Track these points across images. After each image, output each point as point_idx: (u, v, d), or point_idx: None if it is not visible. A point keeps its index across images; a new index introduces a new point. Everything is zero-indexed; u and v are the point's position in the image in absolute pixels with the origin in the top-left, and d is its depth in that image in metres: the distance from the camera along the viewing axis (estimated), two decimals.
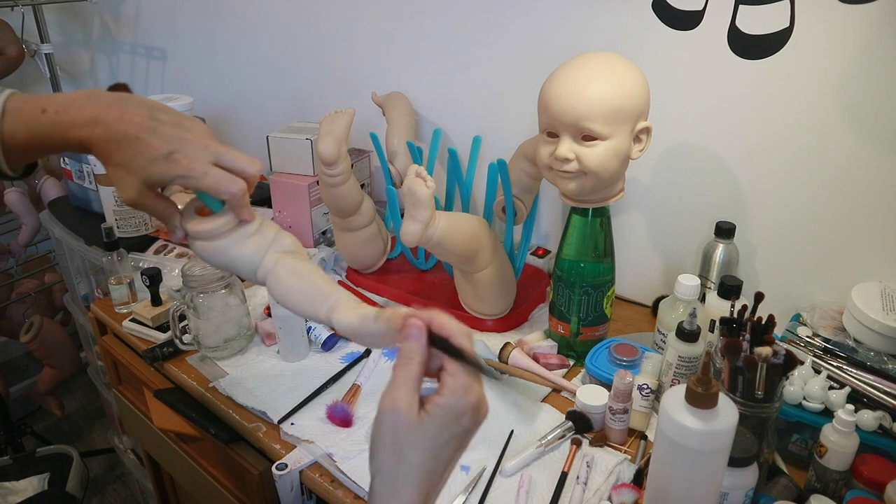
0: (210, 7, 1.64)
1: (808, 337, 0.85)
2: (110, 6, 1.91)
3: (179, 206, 0.63)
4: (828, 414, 0.73)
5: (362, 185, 1.32)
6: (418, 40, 1.27)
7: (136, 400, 1.14)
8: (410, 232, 0.86)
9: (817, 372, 0.77)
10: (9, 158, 0.58)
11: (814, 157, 0.90)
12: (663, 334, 0.92)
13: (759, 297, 0.74)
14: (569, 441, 0.81)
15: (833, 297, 0.93)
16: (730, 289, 0.85)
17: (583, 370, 0.93)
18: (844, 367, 0.78)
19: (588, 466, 0.76)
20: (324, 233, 1.29)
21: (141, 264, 1.22)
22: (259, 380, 0.94)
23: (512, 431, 0.82)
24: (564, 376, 0.93)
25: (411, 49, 1.28)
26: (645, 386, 0.81)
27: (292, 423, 0.85)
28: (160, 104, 0.60)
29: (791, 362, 0.66)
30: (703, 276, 0.98)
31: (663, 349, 0.89)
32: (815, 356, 0.80)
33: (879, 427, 0.71)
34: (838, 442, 0.68)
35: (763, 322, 0.70)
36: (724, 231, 0.96)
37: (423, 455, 0.47)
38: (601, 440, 0.81)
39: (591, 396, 0.82)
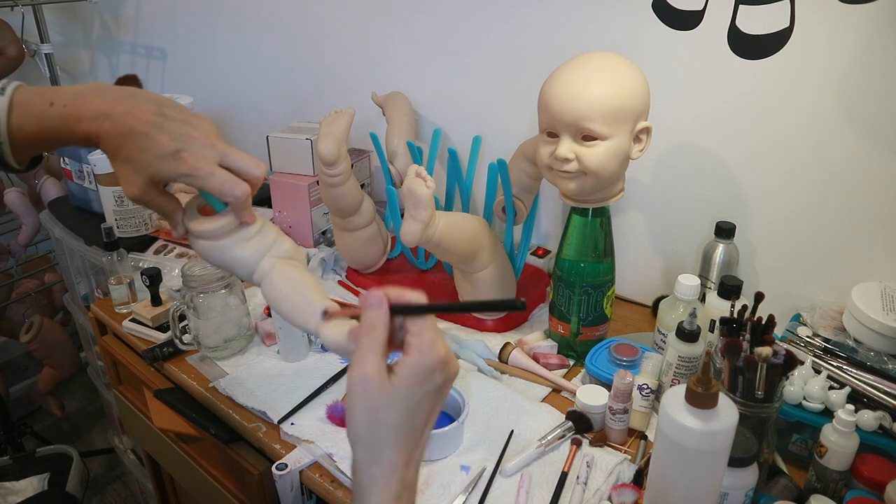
0: (210, 7, 1.64)
1: (808, 337, 0.85)
2: (110, 6, 1.91)
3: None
4: (828, 414, 0.73)
5: (362, 185, 1.32)
6: (418, 40, 1.27)
7: (136, 400, 1.14)
8: (410, 232, 0.86)
9: (817, 372, 0.77)
10: (15, 151, 0.58)
11: (814, 156, 0.90)
12: (663, 334, 0.92)
13: (759, 297, 0.74)
14: (569, 441, 0.80)
15: (833, 297, 0.93)
16: (730, 289, 0.85)
17: (583, 370, 0.93)
18: (844, 367, 0.78)
19: (588, 466, 0.76)
20: (324, 233, 1.29)
21: (141, 264, 1.23)
22: (259, 380, 0.94)
23: (512, 431, 0.82)
24: (564, 376, 0.93)
25: (411, 49, 1.28)
26: (645, 386, 0.81)
27: (292, 423, 0.85)
28: (168, 100, 0.60)
29: (791, 362, 0.66)
30: (703, 276, 0.98)
31: (663, 349, 0.89)
32: (815, 356, 0.80)
33: (879, 427, 0.71)
34: (838, 442, 0.68)
35: (763, 322, 0.70)
36: (724, 231, 0.96)
37: (397, 416, 0.48)
38: (601, 440, 0.81)
39: (591, 396, 0.82)
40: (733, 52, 0.92)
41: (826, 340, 0.84)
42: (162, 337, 1.05)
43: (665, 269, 1.11)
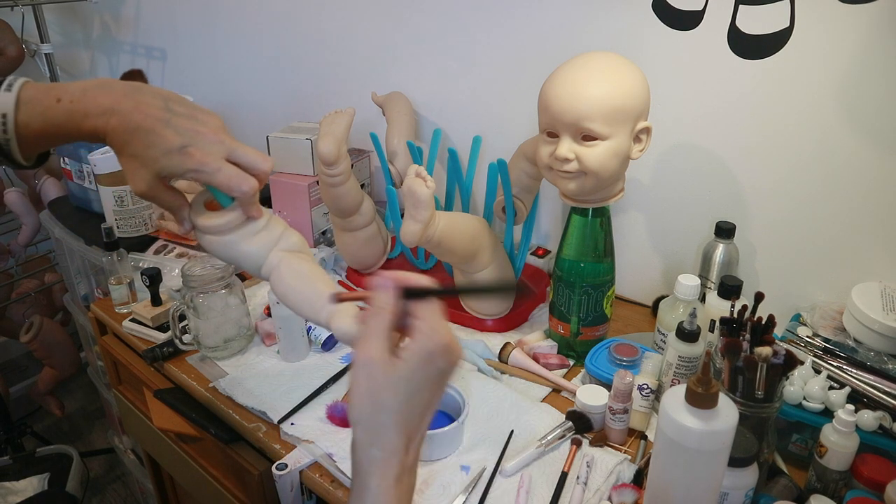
0: (210, 7, 1.64)
1: (808, 337, 0.85)
2: (110, 6, 1.91)
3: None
4: (828, 414, 0.73)
5: (362, 185, 1.32)
6: (418, 40, 1.27)
7: (136, 400, 1.14)
8: (410, 232, 0.86)
9: (817, 372, 0.77)
10: (23, 147, 0.58)
11: (814, 156, 0.90)
12: (663, 334, 0.92)
13: (759, 297, 0.74)
14: (569, 441, 0.80)
15: (833, 297, 0.93)
16: (730, 289, 0.85)
17: (583, 370, 0.93)
18: (844, 367, 0.78)
19: (588, 466, 0.76)
20: (324, 233, 1.29)
21: (141, 264, 1.23)
22: (259, 380, 0.94)
23: (512, 431, 0.82)
24: (564, 376, 0.93)
25: (411, 49, 1.28)
26: (645, 386, 0.81)
27: (292, 423, 0.85)
28: (175, 94, 0.60)
29: (791, 362, 0.66)
30: (703, 276, 0.98)
31: (663, 349, 0.89)
32: (815, 356, 0.80)
33: (879, 427, 0.71)
34: (838, 442, 0.68)
35: (763, 322, 0.70)
36: (724, 231, 0.96)
37: (399, 399, 0.48)
38: (601, 440, 0.81)
39: (591, 396, 0.82)
40: (733, 52, 0.92)
41: (826, 340, 0.84)
42: (162, 337, 1.05)
43: (665, 269, 1.11)
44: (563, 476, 0.76)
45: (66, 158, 1.43)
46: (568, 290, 0.93)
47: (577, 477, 0.75)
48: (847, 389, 0.74)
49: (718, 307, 0.86)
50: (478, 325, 1.04)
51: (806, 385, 0.75)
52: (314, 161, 1.21)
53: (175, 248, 1.30)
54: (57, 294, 2.01)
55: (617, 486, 0.73)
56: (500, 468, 0.77)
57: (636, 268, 1.13)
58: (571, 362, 0.97)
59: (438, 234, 0.88)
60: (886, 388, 0.74)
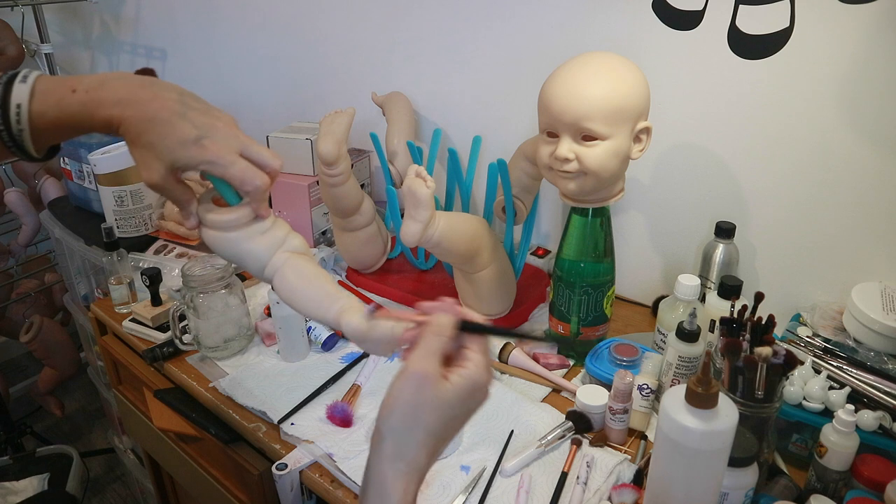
0: (210, 7, 1.64)
1: (808, 337, 0.85)
2: (110, 6, 1.91)
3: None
4: (828, 414, 0.73)
5: (362, 185, 1.32)
6: (418, 40, 1.27)
7: (136, 400, 1.14)
8: (410, 232, 0.86)
9: (817, 372, 0.77)
10: (35, 139, 0.58)
11: (814, 156, 0.90)
12: (663, 334, 0.92)
13: (759, 297, 0.74)
14: (569, 441, 0.80)
15: (833, 297, 0.93)
16: (730, 289, 0.85)
17: (583, 370, 0.93)
18: (844, 367, 0.78)
19: (588, 466, 0.76)
20: (324, 233, 1.29)
21: (141, 264, 1.23)
22: (259, 380, 0.94)
23: (512, 431, 0.82)
24: (564, 376, 0.93)
25: (411, 49, 1.28)
26: (645, 386, 0.81)
27: (292, 423, 0.85)
28: (189, 91, 0.60)
29: (791, 362, 0.66)
30: (703, 276, 0.98)
31: (663, 349, 0.89)
32: (815, 356, 0.80)
33: (879, 427, 0.71)
34: (838, 442, 0.68)
35: (763, 322, 0.70)
36: (724, 231, 0.96)
37: (438, 422, 0.49)
38: (601, 440, 0.81)
39: (591, 396, 0.82)
40: (733, 52, 0.92)
41: (826, 340, 0.84)
42: (162, 337, 1.05)
43: (665, 269, 1.11)
44: (563, 476, 0.76)
45: (66, 158, 1.43)
46: (568, 290, 0.93)
47: (577, 477, 0.75)
48: (847, 389, 0.74)
49: (718, 307, 0.86)
50: None
51: (806, 385, 0.75)
52: (314, 161, 1.21)
53: (175, 248, 1.30)
54: (57, 294, 2.01)
55: (617, 486, 0.73)
56: (500, 468, 0.77)
57: (636, 268, 1.13)
58: (571, 362, 0.97)
59: (438, 234, 0.88)
60: (886, 388, 0.74)
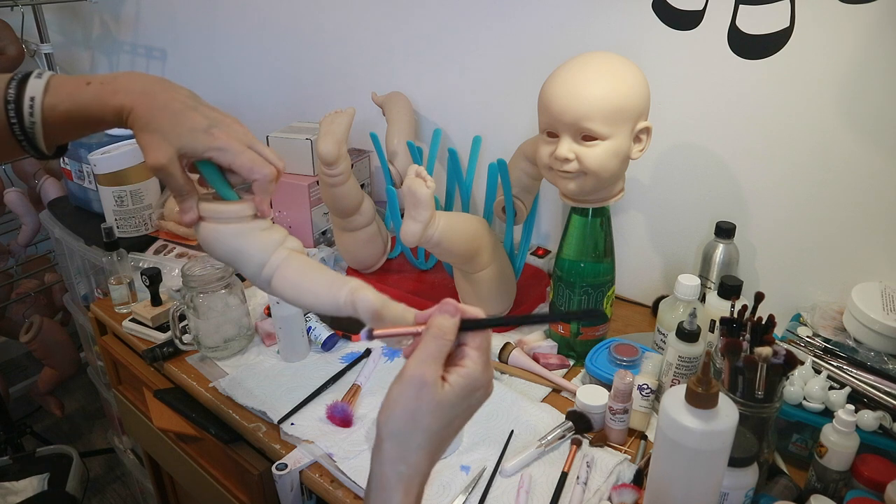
0: (210, 7, 1.64)
1: (808, 337, 0.85)
2: (110, 6, 1.91)
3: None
4: (828, 414, 0.73)
5: (362, 185, 1.32)
6: (418, 40, 1.27)
7: (136, 400, 1.14)
8: (410, 232, 0.86)
9: (817, 372, 0.77)
10: (47, 133, 0.59)
11: (814, 156, 0.90)
12: (663, 334, 0.92)
13: (759, 297, 0.74)
14: (569, 441, 0.80)
15: (833, 297, 0.93)
16: (730, 289, 0.85)
17: (583, 370, 0.93)
18: (844, 367, 0.78)
19: (588, 466, 0.76)
20: (324, 233, 1.29)
21: (141, 264, 1.23)
22: (259, 380, 0.94)
23: (512, 431, 0.82)
24: (564, 376, 0.93)
25: (411, 49, 1.28)
26: (645, 386, 0.81)
27: (292, 423, 0.85)
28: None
29: (791, 362, 0.66)
30: (703, 276, 0.98)
31: (663, 349, 0.89)
32: (815, 356, 0.80)
33: (880, 427, 0.71)
34: (838, 442, 0.68)
35: (763, 322, 0.70)
36: (724, 231, 0.96)
37: (438, 423, 0.49)
38: (601, 440, 0.81)
39: (591, 396, 0.82)
40: (733, 52, 0.92)
41: (826, 340, 0.84)
42: (162, 337, 1.05)
43: (665, 269, 1.11)
44: (563, 476, 0.76)
45: (65, 158, 1.43)
46: (568, 290, 0.93)
47: (577, 477, 0.75)
48: (847, 389, 0.74)
49: (718, 307, 0.86)
50: None
51: (806, 385, 0.75)
52: (314, 161, 1.21)
53: (175, 248, 1.30)
54: (57, 294, 2.01)
55: (617, 486, 0.73)
56: (500, 468, 0.77)
57: (636, 268, 1.13)
58: (571, 362, 0.97)
59: (438, 234, 0.88)
60: (886, 388, 0.74)
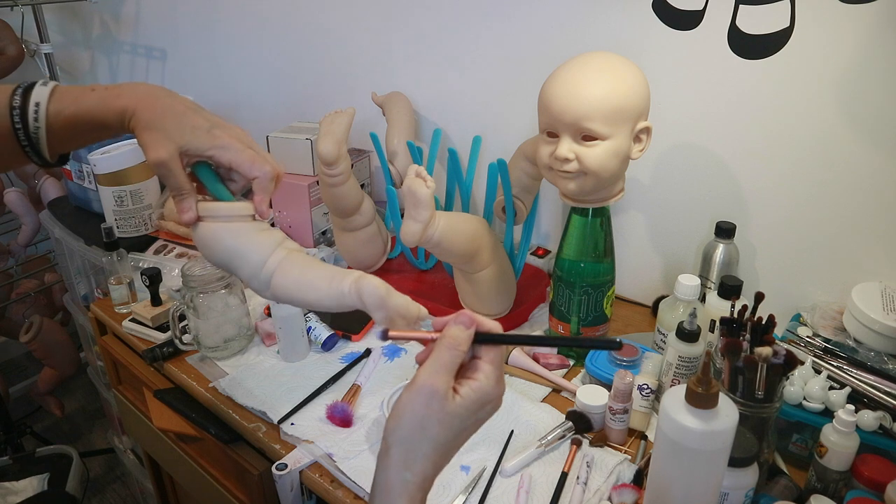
0: (210, 7, 1.64)
1: (808, 337, 0.85)
2: (110, 6, 1.91)
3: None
4: (828, 414, 0.73)
5: (362, 185, 1.32)
6: (418, 40, 1.27)
7: (136, 400, 1.14)
8: (410, 232, 0.86)
9: (817, 372, 0.76)
10: (50, 138, 0.60)
11: (814, 156, 0.90)
12: (663, 334, 0.92)
13: (759, 297, 0.74)
14: (569, 441, 0.80)
15: (833, 297, 0.93)
16: (730, 289, 0.85)
17: (583, 370, 0.93)
18: (845, 367, 0.78)
19: (588, 466, 0.76)
20: (324, 233, 1.29)
21: (141, 264, 1.23)
22: (259, 380, 0.94)
23: (512, 431, 0.82)
24: (564, 376, 0.93)
25: (411, 49, 1.28)
26: (645, 386, 0.81)
27: (292, 423, 0.85)
28: None
29: (791, 362, 0.66)
30: (704, 276, 0.98)
31: (663, 349, 0.89)
32: (815, 356, 0.80)
33: (880, 427, 0.71)
34: (838, 442, 0.68)
35: (763, 322, 0.70)
36: (724, 231, 0.96)
37: (446, 434, 0.50)
38: (601, 440, 0.81)
39: (591, 396, 0.82)
40: (733, 52, 0.92)
41: (826, 340, 0.84)
42: (162, 337, 1.05)
43: (665, 269, 1.11)
44: (563, 476, 0.76)
45: None
46: (568, 290, 0.93)
47: (577, 477, 0.75)
48: (847, 389, 0.74)
49: (718, 307, 0.86)
50: None
51: (806, 385, 0.75)
52: (314, 161, 1.21)
53: (175, 248, 1.30)
54: (57, 294, 2.01)
55: (617, 486, 0.73)
56: (500, 468, 0.77)
57: (636, 268, 1.13)
58: (571, 362, 0.97)
59: (438, 234, 0.88)
60: (886, 388, 0.74)
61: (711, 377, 0.57)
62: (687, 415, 0.58)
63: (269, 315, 1.04)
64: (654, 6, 0.96)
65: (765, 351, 0.65)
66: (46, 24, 1.82)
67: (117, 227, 1.31)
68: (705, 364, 0.57)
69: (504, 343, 0.53)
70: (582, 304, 0.93)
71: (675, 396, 0.59)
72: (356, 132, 1.19)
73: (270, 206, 1.30)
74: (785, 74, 0.89)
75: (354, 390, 0.90)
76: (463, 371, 0.52)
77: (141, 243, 1.32)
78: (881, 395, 0.74)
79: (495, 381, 0.51)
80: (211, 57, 1.71)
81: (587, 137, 0.80)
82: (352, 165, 1.10)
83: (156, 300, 1.08)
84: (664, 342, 0.90)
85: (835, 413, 0.69)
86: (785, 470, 0.76)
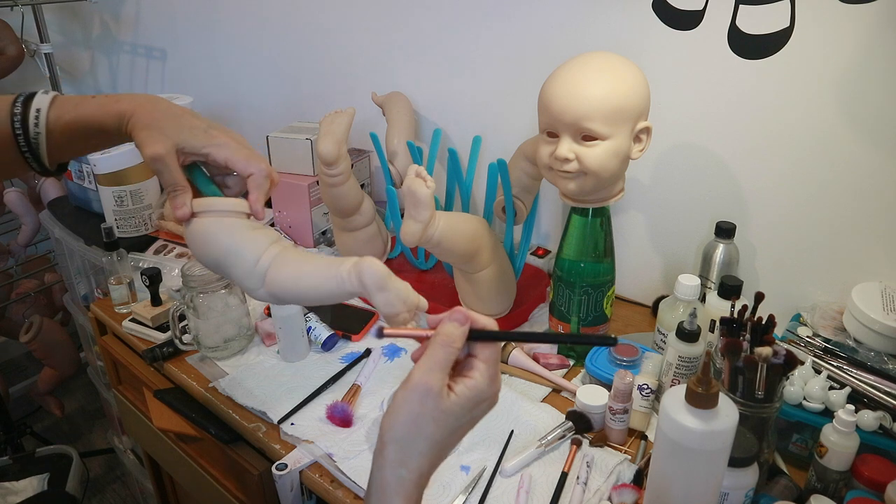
0: (210, 7, 1.64)
1: (808, 337, 0.85)
2: (110, 6, 1.91)
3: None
4: (828, 414, 0.73)
5: (362, 185, 1.32)
6: (418, 40, 1.27)
7: (136, 400, 1.14)
8: (410, 232, 0.86)
9: (817, 372, 0.76)
10: (50, 145, 0.62)
11: (814, 156, 0.90)
12: (663, 334, 0.92)
13: (759, 297, 0.74)
14: (569, 441, 0.80)
15: (833, 297, 0.93)
16: (730, 289, 0.85)
17: (583, 370, 0.93)
18: (844, 367, 0.78)
19: (588, 466, 0.76)
20: (324, 233, 1.29)
21: (141, 264, 1.23)
22: (259, 380, 0.94)
23: (512, 431, 0.82)
24: (564, 376, 0.93)
25: (411, 49, 1.28)
26: (645, 386, 0.81)
27: (292, 423, 0.85)
28: None
29: (791, 362, 0.66)
30: (704, 276, 0.98)
31: (663, 349, 0.89)
32: (815, 356, 0.80)
33: (880, 427, 0.71)
34: (838, 442, 0.68)
35: (763, 322, 0.70)
36: (724, 231, 0.96)
37: (441, 432, 0.50)
38: (601, 440, 0.81)
39: (591, 396, 0.82)
40: (733, 52, 0.92)
41: (826, 340, 0.84)
42: (162, 337, 1.05)
43: (665, 269, 1.11)
44: (563, 476, 0.76)
45: None
46: (568, 290, 0.93)
47: (577, 477, 0.75)
48: (847, 389, 0.74)
49: (718, 307, 0.86)
50: None
51: (806, 385, 0.75)
52: (314, 161, 1.21)
53: (175, 248, 1.30)
54: (57, 294, 2.01)
55: (617, 486, 0.73)
56: (500, 468, 0.77)
57: (636, 268, 1.13)
58: (571, 362, 0.97)
59: (438, 234, 0.88)
60: (886, 388, 0.74)
61: (711, 377, 0.57)
62: (687, 415, 0.58)
63: (269, 315, 1.04)
64: (654, 6, 0.96)
65: (765, 351, 0.65)
66: (46, 24, 1.82)
67: (117, 227, 1.31)
68: (705, 364, 0.57)
69: (498, 339, 0.53)
70: (582, 304, 0.93)
71: (675, 396, 0.59)
72: (356, 132, 1.19)
73: (269, 207, 1.31)
74: (785, 74, 0.89)
75: (354, 390, 0.90)
76: (458, 369, 0.52)
77: (141, 243, 1.32)
78: (881, 395, 0.74)
79: (490, 379, 0.51)
80: (211, 57, 1.71)
81: (587, 137, 0.80)
82: (352, 165, 1.10)
83: (156, 300, 1.08)
84: (664, 342, 0.90)
85: (835, 413, 0.69)
86: (785, 470, 0.76)
